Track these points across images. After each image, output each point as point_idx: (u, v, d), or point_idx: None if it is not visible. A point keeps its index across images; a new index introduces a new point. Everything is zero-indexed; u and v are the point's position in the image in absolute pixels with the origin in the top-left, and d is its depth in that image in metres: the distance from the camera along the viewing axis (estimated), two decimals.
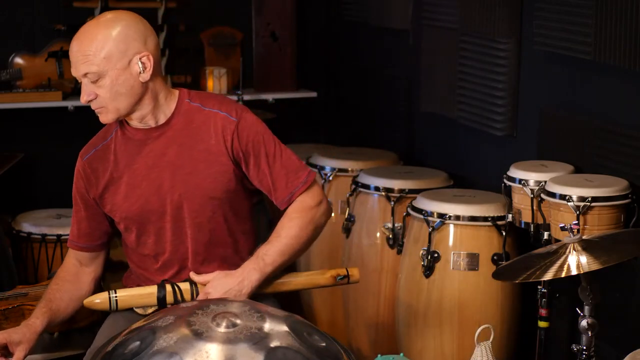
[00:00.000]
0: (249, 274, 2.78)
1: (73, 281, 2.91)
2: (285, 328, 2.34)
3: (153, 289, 2.80)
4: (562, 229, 2.82)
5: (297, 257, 2.90)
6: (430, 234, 3.52)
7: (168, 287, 2.80)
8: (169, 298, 2.79)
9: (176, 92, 2.86)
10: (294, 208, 2.86)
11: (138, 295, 2.81)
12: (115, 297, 2.78)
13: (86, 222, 2.91)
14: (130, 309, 2.81)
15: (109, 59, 2.68)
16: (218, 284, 2.77)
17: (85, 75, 2.70)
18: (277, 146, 2.85)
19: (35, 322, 2.76)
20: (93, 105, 2.75)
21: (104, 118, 2.77)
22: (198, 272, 2.84)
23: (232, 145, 2.80)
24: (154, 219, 2.84)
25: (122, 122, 2.84)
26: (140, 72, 2.72)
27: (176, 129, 2.81)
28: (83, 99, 2.73)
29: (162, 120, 2.82)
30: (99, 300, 2.78)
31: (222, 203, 2.83)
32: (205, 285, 2.79)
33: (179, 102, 2.83)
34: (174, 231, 2.84)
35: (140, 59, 2.71)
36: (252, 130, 2.82)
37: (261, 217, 4.81)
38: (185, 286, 2.81)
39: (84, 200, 2.89)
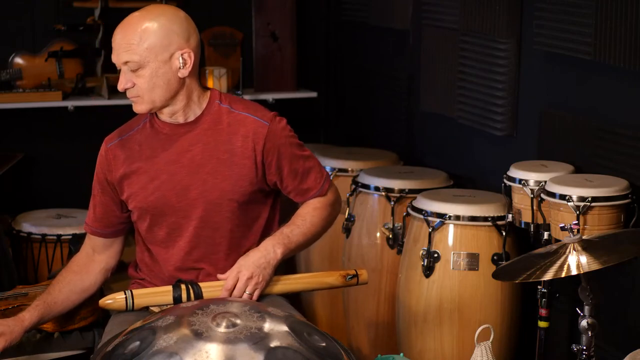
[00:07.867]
0: (274, 247, 2.84)
1: (79, 272, 2.93)
2: (285, 328, 2.34)
3: (168, 289, 2.80)
4: (562, 229, 2.82)
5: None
6: (430, 234, 3.52)
7: (182, 286, 2.80)
8: (184, 296, 2.79)
9: (208, 92, 2.89)
10: (319, 200, 2.95)
11: (153, 293, 2.81)
12: (132, 297, 2.78)
13: (100, 207, 2.94)
14: (139, 309, 2.80)
15: (152, 50, 2.71)
16: (245, 261, 2.81)
17: (125, 63, 2.73)
18: (303, 148, 2.93)
19: (25, 315, 2.80)
20: (129, 94, 2.78)
21: (138, 108, 2.80)
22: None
23: (264, 149, 2.83)
24: (169, 213, 2.85)
25: (152, 115, 2.86)
26: (179, 68, 2.76)
27: (203, 128, 2.84)
28: (120, 86, 2.76)
29: (191, 118, 2.84)
30: (113, 300, 2.78)
31: (239, 206, 2.85)
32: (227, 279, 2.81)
33: (209, 102, 2.86)
34: (186, 227, 2.85)
35: (182, 54, 2.75)
36: (283, 134, 2.86)
37: None
38: (200, 285, 2.81)
39: (102, 185, 2.92)
